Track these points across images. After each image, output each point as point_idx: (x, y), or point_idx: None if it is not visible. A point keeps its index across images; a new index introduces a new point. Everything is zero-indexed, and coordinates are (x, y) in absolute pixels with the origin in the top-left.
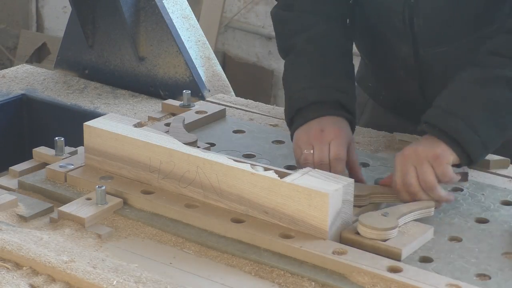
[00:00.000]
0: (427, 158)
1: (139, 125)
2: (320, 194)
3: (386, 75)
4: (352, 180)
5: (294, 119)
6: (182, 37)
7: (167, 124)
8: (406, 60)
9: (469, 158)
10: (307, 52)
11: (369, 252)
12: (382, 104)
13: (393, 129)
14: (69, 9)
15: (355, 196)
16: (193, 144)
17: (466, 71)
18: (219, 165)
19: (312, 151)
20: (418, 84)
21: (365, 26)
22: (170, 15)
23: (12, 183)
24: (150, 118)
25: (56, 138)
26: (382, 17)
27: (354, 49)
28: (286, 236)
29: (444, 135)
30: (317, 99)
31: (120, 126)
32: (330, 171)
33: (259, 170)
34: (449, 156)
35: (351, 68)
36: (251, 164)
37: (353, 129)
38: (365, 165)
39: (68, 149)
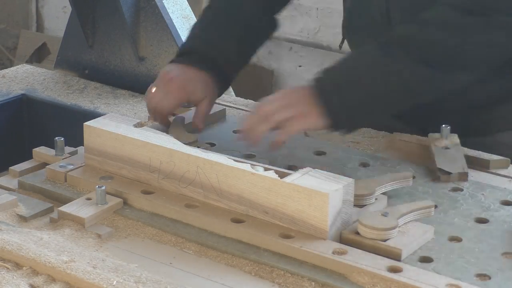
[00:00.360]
0: (296, 112)
1: (139, 125)
2: (320, 194)
3: None
4: (352, 180)
5: (174, 59)
6: (182, 37)
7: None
8: None
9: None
10: (215, 9)
11: (369, 252)
12: None
13: (386, 129)
14: (69, 9)
15: (356, 196)
16: (193, 144)
17: (370, 51)
18: (219, 165)
19: (153, 90)
20: None
21: (352, 25)
22: (170, 15)
23: (12, 183)
24: (150, 118)
25: (56, 138)
26: (361, 10)
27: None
28: (286, 236)
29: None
30: (194, 49)
31: (120, 126)
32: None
33: (259, 170)
34: (308, 124)
35: (248, 37)
36: (251, 164)
37: (222, 86)
38: (365, 165)
39: (68, 149)
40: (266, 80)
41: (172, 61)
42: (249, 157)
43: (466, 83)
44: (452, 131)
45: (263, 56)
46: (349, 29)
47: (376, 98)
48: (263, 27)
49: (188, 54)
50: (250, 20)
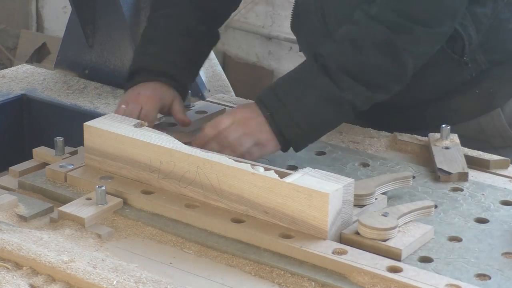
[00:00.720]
0: (257, 141)
1: (139, 125)
2: (321, 194)
3: None
4: (352, 180)
5: (128, 81)
6: None
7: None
8: None
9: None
10: (155, 26)
11: (369, 252)
12: None
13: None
14: (69, 9)
15: (356, 196)
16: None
17: (306, 68)
18: (219, 165)
19: (123, 106)
20: None
21: (297, 28)
22: None
23: (12, 183)
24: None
25: (56, 138)
26: (304, 17)
27: None
28: (286, 236)
29: (273, 123)
30: (143, 66)
31: (120, 126)
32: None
33: (259, 170)
34: (266, 151)
35: (192, 47)
36: (251, 164)
37: (182, 95)
38: (365, 165)
39: (68, 149)
40: (266, 80)
41: (128, 82)
42: None
43: (395, 92)
44: (409, 126)
45: (263, 56)
46: (295, 30)
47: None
48: (204, 38)
49: (138, 73)
50: (191, 32)
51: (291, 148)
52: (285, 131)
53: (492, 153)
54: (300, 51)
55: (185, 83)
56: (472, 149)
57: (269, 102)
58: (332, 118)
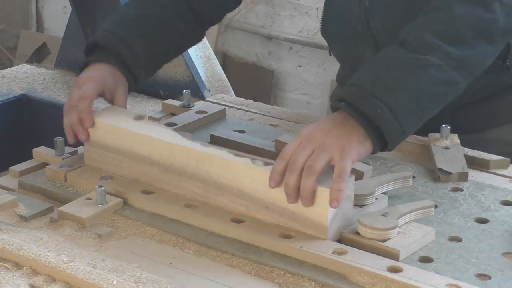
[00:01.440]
0: (332, 149)
1: (139, 118)
2: (321, 189)
3: None
4: (353, 176)
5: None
6: None
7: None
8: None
9: (385, 147)
10: (135, 7)
11: (369, 252)
12: None
13: None
14: (69, 9)
15: (356, 195)
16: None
17: (392, 51)
18: (219, 159)
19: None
20: None
21: (332, 28)
22: None
23: (12, 183)
24: (150, 118)
25: (56, 138)
26: (343, 21)
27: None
28: (286, 236)
29: (365, 120)
30: (103, 43)
31: (120, 118)
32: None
33: (259, 165)
34: (356, 152)
35: (162, 39)
36: (251, 159)
37: (131, 83)
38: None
39: (68, 149)
40: (266, 80)
41: (85, 55)
42: None
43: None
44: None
45: (263, 56)
46: (326, 33)
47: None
48: (181, 37)
49: (96, 48)
50: (168, 27)
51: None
52: (382, 125)
53: None
54: (330, 55)
55: (138, 76)
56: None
57: (355, 100)
58: (434, 94)
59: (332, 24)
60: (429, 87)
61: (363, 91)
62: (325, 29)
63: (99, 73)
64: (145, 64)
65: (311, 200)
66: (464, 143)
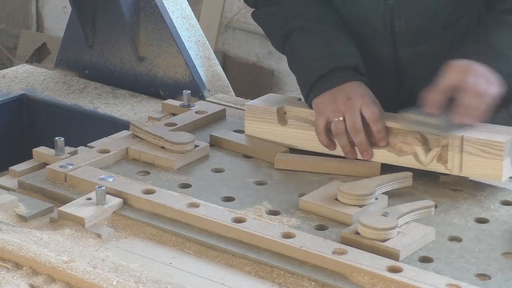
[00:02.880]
0: (484, 76)
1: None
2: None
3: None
4: None
5: (314, 87)
6: (182, 37)
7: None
8: (385, 61)
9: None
10: (310, 30)
11: (369, 252)
12: None
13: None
14: (69, 9)
15: (356, 195)
16: (189, 144)
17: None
18: None
19: (341, 118)
20: (396, 82)
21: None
22: (170, 15)
23: (12, 183)
24: (150, 118)
25: (56, 138)
26: (361, 20)
27: None
28: (286, 236)
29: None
30: (338, 65)
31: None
32: (365, 135)
33: None
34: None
35: (351, 37)
36: None
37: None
38: None
39: (68, 149)
40: (266, 80)
41: (315, 89)
42: (249, 157)
43: None
44: None
45: (263, 56)
46: None
47: None
48: (342, 23)
49: (336, 70)
50: (339, 21)
51: None
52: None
53: None
54: None
55: (366, 74)
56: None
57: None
58: None
59: (347, 24)
60: None
61: (491, 51)
62: None
63: (362, 89)
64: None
65: None
66: None
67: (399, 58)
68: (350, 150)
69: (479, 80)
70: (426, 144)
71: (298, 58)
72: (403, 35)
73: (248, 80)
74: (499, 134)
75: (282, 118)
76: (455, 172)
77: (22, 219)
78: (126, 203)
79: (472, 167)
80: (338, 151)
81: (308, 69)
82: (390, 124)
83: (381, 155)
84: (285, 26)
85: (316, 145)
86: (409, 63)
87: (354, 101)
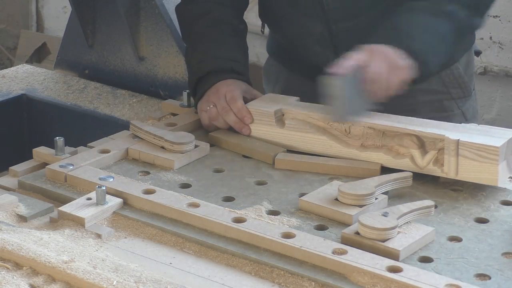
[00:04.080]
0: (389, 59)
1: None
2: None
3: (301, 49)
4: None
5: (196, 89)
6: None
7: (168, 124)
8: (321, 36)
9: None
10: (203, 34)
11: (369, 252)
12: (297, 72)
13: (307, 93)
14: (69, 9)
15: (356, 195)
16: (189, 144)
17: (414, 5)
18: None
19: (211, 106)
20: (333, 54)
21: (276, 7)
22: (170, 15)
23: (12, 183)
24: (150, 118)
25: (56, 138)
26: (293, 3)
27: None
28: (286, 236)
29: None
30: (212, 69)
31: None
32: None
33: None
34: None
35: (243, 43)
36: None
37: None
38: None
39: (68, 149)
40: None
41: (198, 88)
42: (248, 157)
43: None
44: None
45: (263, 56)
46: (265, 15)
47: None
48: (243, 30)
49: (207, 77)
50: (236, 27)
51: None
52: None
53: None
54: (263, 33)
55: (248, 77)
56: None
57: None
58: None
59: (276, 5)
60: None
61: (401, 33)
62: (265, 12)
63: (230, 83)
64: (247, 68)
65: None
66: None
67: (333, 32)
68: (237, 127)
69: (382, 64)
70: (422, 147)
71: (187, 62)
72: (333, 12)
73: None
74: (494, 138)
75: (279, 120)
76: (451, 175)
77: (22, 219)
78: (126, 203)
79: (468, 171)
80: (338, 151)
81: (190, 74)
82: (387, 126)
83: (378, 158)
84: (188, 27)
85: (315, 147)
86: (344, 37)
87: (220, 91)
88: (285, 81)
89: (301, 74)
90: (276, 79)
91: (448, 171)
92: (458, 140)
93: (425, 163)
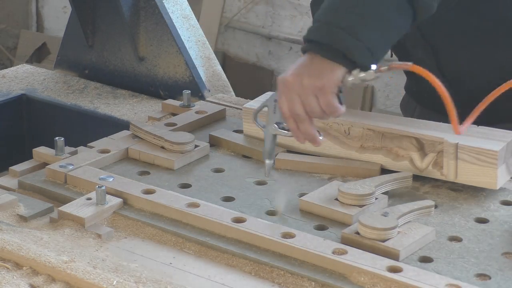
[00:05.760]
0: (312, 89)
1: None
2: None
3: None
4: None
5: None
6: (182, 37)
7: (168, 124)
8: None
9: (356, 65)
10: None
11: (369, 252)
12: (428, 106)
13: None
14: (69, 9)
15: (356, 195)
16: (189, 144)
17: None
18: None
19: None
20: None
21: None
22: (170, 15)
23: (12, 183)
24: (150, 118)
25: (56, 138)
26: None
27: None
28: (286, 236)
29: (327, 50)
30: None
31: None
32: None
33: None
34: (333, 84)
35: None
36: None
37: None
38: None
39: (68, 149)
40: (266, 80)
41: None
42: (248, 157)
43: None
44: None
45: (263, 56)
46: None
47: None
48: None
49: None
50: None
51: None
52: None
53: None
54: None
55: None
56: None
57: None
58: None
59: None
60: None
61: (319, 24)
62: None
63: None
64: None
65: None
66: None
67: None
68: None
69: (293, 99)
70: (421, 150)
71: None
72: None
73: (248, 80)
74: (493, 141)
75: None
76: (451, 178)
77: (22, 219)
78: (126, 203)
79: (467, 174)
80: (337, 153)
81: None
82: (386, 128)
83: (378, 160)
84: None
85: (314, 148)
86: (453, 68)
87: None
88: (419, 116)
89: (430, 108)
90: (412, 115)
91: (447, 174)
92: (457, 143)
93: (424, 166)
